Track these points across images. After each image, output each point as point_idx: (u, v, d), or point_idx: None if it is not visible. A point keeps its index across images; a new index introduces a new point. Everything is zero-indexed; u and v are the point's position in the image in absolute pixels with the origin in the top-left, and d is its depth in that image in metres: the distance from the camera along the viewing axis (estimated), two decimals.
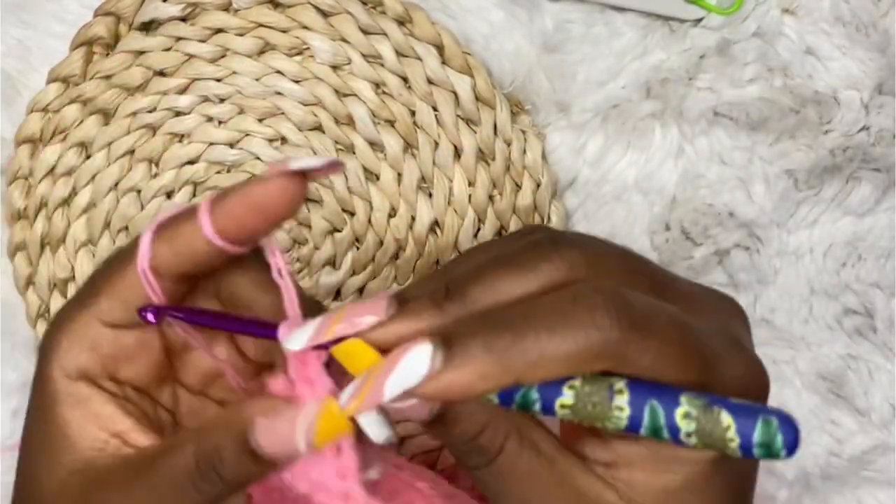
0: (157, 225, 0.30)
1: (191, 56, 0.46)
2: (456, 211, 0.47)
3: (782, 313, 0.50)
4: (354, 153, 0.46)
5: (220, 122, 0.46)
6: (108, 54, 0.47)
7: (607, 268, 0.27)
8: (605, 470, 0.28)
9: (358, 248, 0.47)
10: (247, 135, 0.46)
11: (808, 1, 0.48)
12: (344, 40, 0.46)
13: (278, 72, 0.46)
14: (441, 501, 0.38)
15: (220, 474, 0.28)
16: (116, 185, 0.46)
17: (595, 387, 0.25)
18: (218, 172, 0.47)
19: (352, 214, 0.47)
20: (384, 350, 0.26)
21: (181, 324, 0.30)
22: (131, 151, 0.46)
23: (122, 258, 0.30)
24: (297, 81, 0.46)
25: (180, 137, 0.47)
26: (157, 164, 0.47)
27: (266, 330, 0.28)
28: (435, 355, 0.25)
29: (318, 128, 0.46)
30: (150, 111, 0.46)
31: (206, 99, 0.46)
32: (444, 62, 0.46)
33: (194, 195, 0.47)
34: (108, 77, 0.46)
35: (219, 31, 0.46)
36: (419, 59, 0.46)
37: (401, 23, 0.46)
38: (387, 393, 0.25)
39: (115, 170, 0.46)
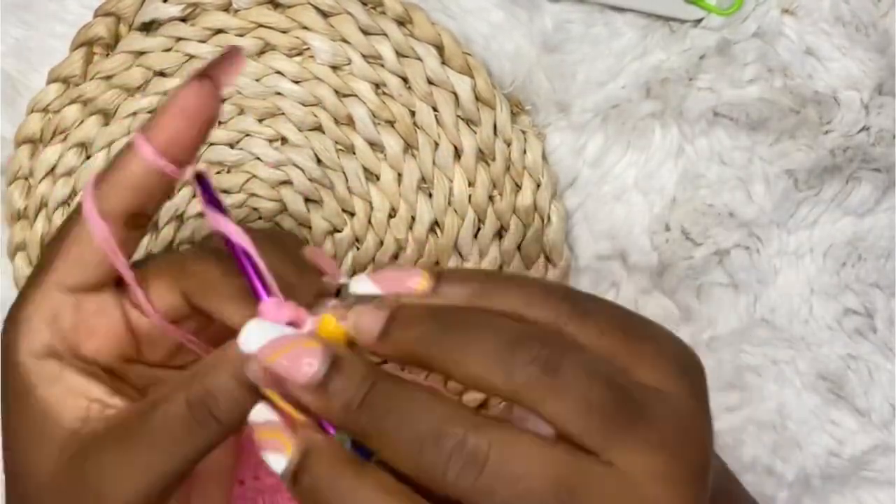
0: (97, 174, 0.30)
1: (191, 56, 0.46)
2: (456, 211, 0.47)
3: (782, 313, 0.50)
4: (354, 153, 0.46)
5: (220, 122, 0.46)
6: (108, 55, 0.47)
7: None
8: None
9: (358, 249, 0.47)
10: (247, 135, 0.46)
11: (808, 1, 0.48)
12: (344, 41, 0.46)
13: (278, 72, 0.46)
14: None
15: (215, 415, 0.28)
16: None
17: None
18: (218, 172, 0.47)
19: (352, 215, 0.47)
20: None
21: (137, 294, 0.31)
22: None
23: (68, 222, 0.31)
24: (297, 82, 0.46)
25: None
26: None
27: (256, 279, 0.29)
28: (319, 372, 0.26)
29: (318, 128, 0.46)
30: (150, 112, 0.46)
31: None
32: (444, 62, 0.46)
33: (194, 195, 0.47)
34: (108, 77, 0.46)
35: (219, 31, 0.46)
36: (419, 59, 0.46)
37: (401, 23, 0.46)
38: (272, 365, 0.26)
39: None
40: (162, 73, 0.46)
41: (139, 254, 0.44)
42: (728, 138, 0.48)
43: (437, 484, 0.24)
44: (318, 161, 0.46)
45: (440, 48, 0.46)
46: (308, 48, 0.46)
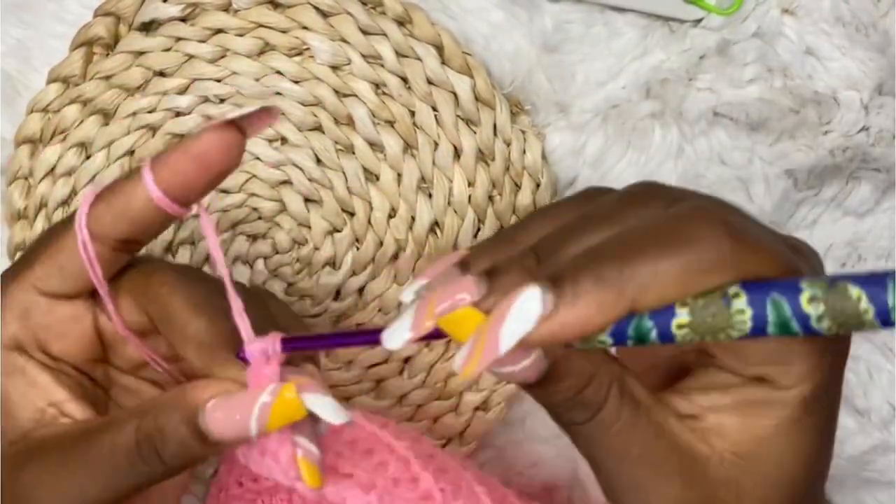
0: (98, 190, 0.29)
1: (191, 56, 0.46)
2: (456, 211, 0.47)
3: None
4: (354, 153, 0.46)
5: None
6: (108, 54, 0.47)
7: (696, 202, 0.26)
8: (693, 422, 0.28)
9: (358, 249, 0.47)
10: None
11: (808, 1, 0.48)
12: (344, 41, 0.46)
13: (278, 72, 0.46)
14: (417, 461, 0.37)
15: (160, 455, 0.28)
16: None
17: (709, 298, 0.24)
18: None
19: (352, 215, 0.47)
20: None
21: (111, 314, 0.30)
22: (131, 152, 0.46)
23: (59, 227, 0.30)
24: (296, 82, 0.46)
25: (181, 137, 0.47)
26: None
27: (371, 337, 0.27)
28: (545, 296, 0.24)
29: (318, 128, 0.46)
30: (149, 111, 0.46)
31: (206, 99, 0.46)
32: (443, 62, 0.46)
33: None
34: (108, 77, 0.46)
35: (219, 31, 0.46)
36: (419, 59, 0.46)
37: (401, 23, 0.46)
38: (503, 344, 0.24)
39: (116, 170, 0.46)
40: (162, 73, 0.46)
41: None
42: (728, 138, 0.48)
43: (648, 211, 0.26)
44: (318, 161, 0.46)
45: (440, 48, 0.46)
46: (308, 48, 0.46)
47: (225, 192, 0.47)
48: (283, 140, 0.46)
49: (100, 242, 0.29)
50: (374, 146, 0.46)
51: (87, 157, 0.47)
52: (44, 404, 0.30)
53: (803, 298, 0.24)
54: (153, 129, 0.46)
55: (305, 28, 0.46)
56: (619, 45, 0.48)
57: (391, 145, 0.46)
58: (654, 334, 0.24)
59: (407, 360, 0.48)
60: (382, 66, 0.46)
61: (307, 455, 0.28)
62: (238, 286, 0.30)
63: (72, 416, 0.31)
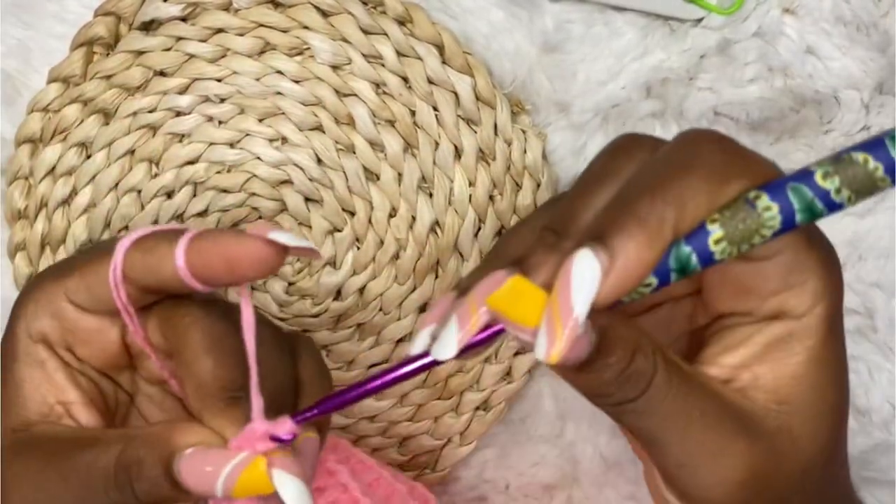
0: (141, 234, 0.30)
1: (191, 56, 0.46)
2: (456, 211, 0.47)
3: None
4: (355, 153, 0.46)
5: (220, 122, 0.46)
6: (108, 54, 0.47)
7: (681, 134, 0.27)
8: (729, 385, 0.28)
9: (358, 248, 0.47)
10: (247, 135, 0.46)
11: (809, 1, 0.48)
12: (344, 40, 0.46)
13: (278, 72, 0.46)
14: (364, 498, 0.38)
15: (133, 488, 0.28)
16: (116, 185, 0.47)
17: (734, 207, 0.25)
18: (218, 172, 0.47)
19: (352, 214, 0.47)
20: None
21: (138, 338, 0.31)
22: (131, 151, 0.46)
23: (101, 251, 0.30)
24: (297, 81, 0.46)
25: (180, 137, 0.47)
26: (157, 164, 0.47)
27: (420, 365, 0.26)
28: (598, 253, 0.24)
29: (319, 128, 0.46)
30: (150, 111, 0.46)
31: (206, 99, 0.46)
32: (444, 62, 0.46)
33: (194, 195, 0.47)
34: (108, 77, 0.46)
35: (219, 31, 0.46)
36: (419, 59, 0.46)
37: (401, 23, 0.46)
38: (579, 312, 0.24)
39: (116, 170, 0.46)
40: (162, 73, 0.46)
41: None
42: None
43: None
44: (319, 161, 0.46)
45: (440, 48, 0.46)
46: (308, 48, 0.46)
47: (225, 191, 0.46)
48: (284, 140, 0.46)
49: (129, 283, 0.30)
50: (375, 146, 0.46)
51: (88, 157, 0.47)
52: (53, 401, 0.31)
53: (818, 177, 0.25)
54: (153, 128, 0.46)
55: (306, 28, 0.46)
56: (619, 45, 0.48)
57: (392, 145, 0.46)
58: (694, 259, 0.25)
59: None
60: (383, 65, 0.46)
61: None
62: (272, 329, 0.30)
63: (77, 419, 0.31)
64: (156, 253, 0.29)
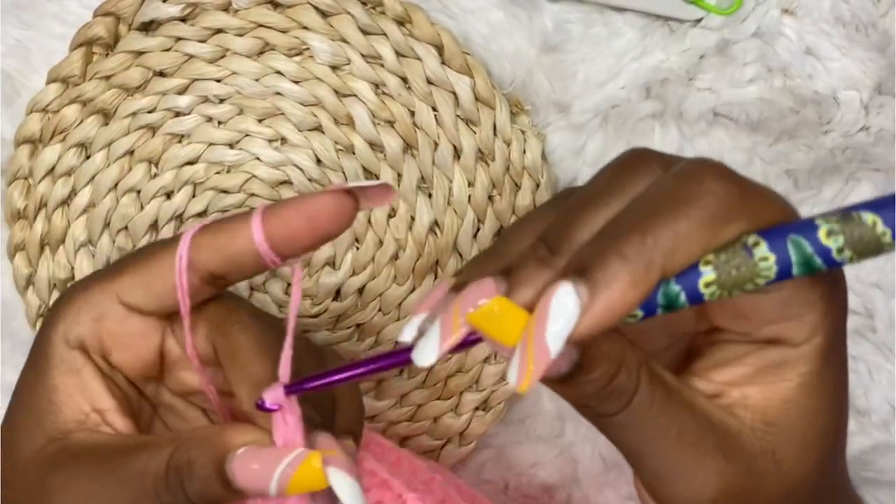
0: (207, 222, 0.30)
1: (190, 56, 0.46)
2: (455, 211, 0.47)
3: None
4: (354, 153, 0.46)
5: (219, 123, 0.47)
6: (107, 54, 0.47)
7: (689, 162, 0.26)
8: (717, 401, 0.28)
9: (358, 248, 0.47)
10: (246, 135, 0.46)
11: (808, 1, 0.48)
12: (344, 40, 0.46)
13: (278, 72, 0.46)
14: (408, 491, 0.38)
15: (185, 490, 0.28)
16: (116, 185, 0.47)
17: (730, 251, 0.25)
18: (218, 172, 0.47)
19: None
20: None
21: (187, 339, 0.31)
22: (131, 151, 0.46)
23: (159, 245, 0.31)
24: (296, 82, 0.46)
25: (180, 138, 0.47)
26: (156, 165, 0.47)
27: (399, 359, 0.26)
28: (579, 288, 0.24)
29: (318, 128, 0.46)
30: (149, 111, 0.46)
31: (205, 99, 0.46)
32: (443, 62, 0.46)
33: (194, 195, 0.47)
34: (107, 77, 0.46)
35: (218, 31, 0.46)
36: (419, 59, 0.46)
37: (400, 23, 0.46)
38: (552, 348, 0.23)
39: (115, 170, 0.46)
40: (161, 73, 0.46)
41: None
42: (728, 138, 0.48)
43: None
44: (318, 161, 0.46)
45: (440, 48, 0.46)
46: (308, 48, 0.46)
47: (224, 192, 0.47)
48: (283, 140, 0.46)
49: (193, 271, 0.30)
50: (374, 146, 0.46)
51: (87, 157, 0.47)
52: (89, 409, 0.31)
53: (821, 234, 0.24)
54: (153, 128, 0.46)
55: (305, 28, 0.46)
56: (619, 45, 0.48)
57: (391, 145, 0.46)
58: (682, 298, 0.25)
59: None
60: (382, 66, 0.46)
61: None
62: (302, 340, 0.30)
63: (113, 426, 0.31)
64: (227, 231, 0.29)
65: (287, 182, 0.46)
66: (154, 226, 0.47)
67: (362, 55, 0.46)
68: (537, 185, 0.47)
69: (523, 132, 0.47)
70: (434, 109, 0.46)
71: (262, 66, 0.46)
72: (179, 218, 0.47)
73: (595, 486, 0.50)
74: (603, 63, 0.48)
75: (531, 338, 0.24)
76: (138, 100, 0.46)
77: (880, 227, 0.24)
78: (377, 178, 0.47)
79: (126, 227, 0.47)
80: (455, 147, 0.47)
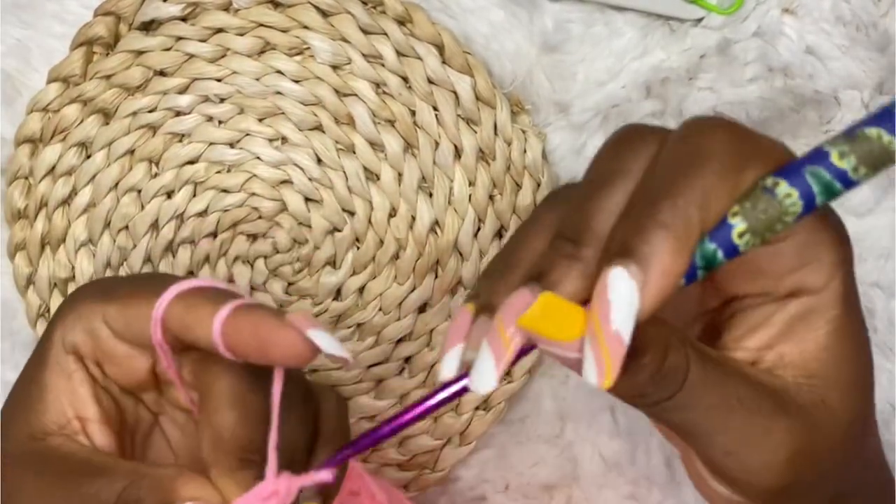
0: (190, 287, 0.29)
1: (191, 56, 0.46)
2: (456, 211, 0.47)
3: None
4: (354, 153, 0.46)
5: (220, 122, 0.46)
6: (108, 54, 0.47)
7: (686, 125, 0.26)
8: (755, 367, 0.28)
9: (358, 248, 0.47)
10: (247, 135, 0.46)
11: (809, 1, 0.48)
12: (344, 40, 0.46)
13: (278, 71, 0.46)
14: None
15: None
16: (116, 184, 0.47)
17: (753, 197, 0.25)
18: (218, 172, 0.47)
19: (352, 214, 0.47)
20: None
21: (174, 373, 0.31)
22: (131, 151, 0.46)
23: (152, 286, 0.30)
24: (297, 81, 0.46)
25: (180, 137, 0.47)
26: (157, 164, 0.47)
27: (454, 394, 0.26)
28: (630, 268, 0.23)
29: (319, 127, 0.46)
30: (150, 111, 0.46)
31: (206, 99, 0.46)
32: (444, 62, 0.46)
33: (195, 195, 0.47)
34: (108, 77, 0.46)
35: (219, 30, 0.46)
36: (419, 58, 0.46)
37: (401, 23, 0.46)
38: (624, 336, 0.23)
39: (116, 169, 0.46)
40: (162, 73, 0.46)
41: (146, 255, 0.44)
42: None
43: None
44: (319, 160, 0.46)
45: (440, 48, 0.46)
46: (308, 48, 0.46)
47: (225, 191, 0.46)
48: (284, 139, 0.46)
49: (167, 332, 0.30)
50: (375, 146, 0.46)
51: (87, 157, 0.47)
52: (72, 415, 0.31)
53: (834, 158, 0.25)
54: (153, 128, 0.46)
55: (306, 27, 0.46)
56: (619, 45, 0.48)
57: (392, 145, 0.46)
58: (720, 254, 0.25)
59: (407, 359, 0.48)
60: (383, 65, 0.46)
61: None
62: (297, 385, 0.30)
63: (91, 437, 0.31)
64: (197, 313, 0.29)
65: (288, 181, 0.46)
66: (155, 225, 0.47)
67: (363, 55, 0.46)
68: (538, 185, 0.47)
69: (524, 132, 0.47)
70: (435, 109, 0.46)
71: (262, 66, 0.46)
72: (180, 217, 0.47)
73: (595, 486, 0.50)
74: (603, 62, 0.48)
75: (599, 331, 0.23)
76: (139, 99, 0.46)
77: (886, 137, 0.24)
78: (378, 177, 0.47)
79: (127, 227, 0.47)
80: (456, 146, 0.47)
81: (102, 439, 0.31)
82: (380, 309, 0.47)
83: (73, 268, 0.47)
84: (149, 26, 0.47)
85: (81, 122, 0.46)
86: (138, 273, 0.46)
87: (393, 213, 0.47)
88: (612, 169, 0.26)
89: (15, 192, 0.47)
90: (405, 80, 0.46)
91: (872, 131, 0.24)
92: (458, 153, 0.47)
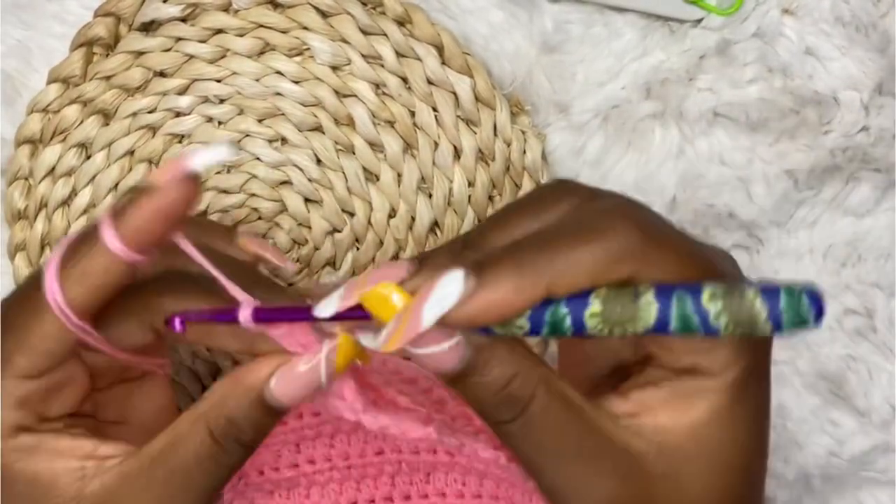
0: (56, 258, 0.29)
1: (191, 56, 0.46)
2: (456, 211, 0.47)
3: None
4: (354, 153, 0.47)
5: (220, 123, 0.47)
6: (108, 55, 0.47)
7: (612, 200, 0.28)
8: (630, 420, 0.28)
9: (358, 249, 0.47)
10: (247, 135, 0.46)
11: (808, 1, 0.48)
12: (344, 41, 0.46)
13: (278, 72, 0.46)
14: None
15: (239, 440, 0.29)
16: (116, 185, 0.47)
17: (621, 291, 0.26)
18: (218, 172, 0.47)
19: (352, 215, 0.47)
20: None
21: (119, 352, 0.31)
22: (131, 152, 0.46)
23: (25, 308, 0.29)
24: (296, 82, 0.46)
25: (180, 138, 0.47)
26: (157, 165, 0.47)
27: (302, 314, 0.28)
28: (468, 277, 0.25)
29: (318, 128, 0.46)
30: (150, 112, 0.46)
31: (206, 99, 0.46)
32: (443, 63, 0.46)
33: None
34: (108, 77, 0.46)
35: (219, 31, 0.46)
36: (419, 59, 0.46)
37: (401, 23, 0.46)
38: (425, 320, 0.25)
39: (116, 170, 0.46)
40: (162, 74, 0.46)
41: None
42: (728, 139, 0.48)
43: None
44: (318, 161, 0.46)
45: (440, 48, 0.46)
46: (308, 48, 0.46)
47: (225, 192, 0.47)
48: (283, 140, 0.46)
49: (74, 308, 0.29)
50: (374, 146, 0.46)
51: (87, 158, 0.47)
52: (79, 463, 0.30)
53: (704, 296, 0.25)
54: (153, 129, 0.46)
55: (305, 28, 0.46)
56: (619, 46, 0.48)
57: (391, 145, 0.46)
58: (568, 321, 0.26)
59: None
60: (382, 66, 0.46)
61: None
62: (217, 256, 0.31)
63: (112, 456, 0.30)
64: (82, 256, 0.28)
65: (287, 182, 0.46)
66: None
67: (362, 55, 0.46)
68: (538, 186, 0.47)
69: (523, 132, 0.47)
70: (434, 110, 0.46)
71: (262, 67, 0.46)
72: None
73: None
74: (603, 63, 0.48)
75: (409, 308, 0.26)
76: (139, 100, 0.46)
77: (758, 306, 0.25)
78: (377, 178, 0.47)
79: None
80: (455, 147, 0.47)
81: (115, 449, 0.31)
82: None
83: None
84: (149, 27, 0.47)
85: (81, 122, 0.46)
86: None
87: (392, 214, 0.47)
88: (528, 204, 0.29)
89: (15, 192, 0.47)
90: (405, 80, 0.46)
91: (751, 293, 0.25)
92: (457, 154, 0.47)
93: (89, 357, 0.32)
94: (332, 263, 0.47)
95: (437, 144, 0.46)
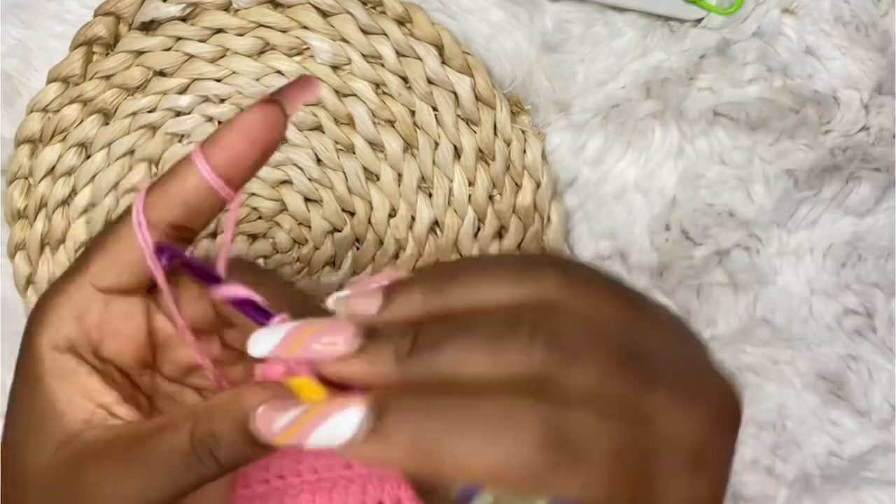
0: (150, 182, 0.30)
1: (191, 56, 0.46)
2: (456, 211, 0.47)
3: (782, 313, 0.50)
4: (354, 153, 0.46)
5: (219, 123, 0.46)
6: (108, 54, 0.47)
7: (588, 352, 0.25)
8: None
9: (358, 248, 0.47)
10: None
11: (808, 1, 0.48)
12: (344, 40, 0.46)
13: (278, 72, 0.46)
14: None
15: (215, 456, 0.29)
16: (116, 185, 0.47)
17: (516, 499, 0.26)
18: None
19: (352, 214, 0.47)
20: (336, 384, 0.26)
21: (170, 310, 0.31)
22: (131, 151, 0.46)
23: (115, 222, 0.31)
24: None
25: (180, 137, 0.47)
26: (157, 164, 0.47)
27: (259, 316, 0.28)
28: (363, 423, 0.24)
29: (318, 128, 0.46)
30: (150, 111, 0.46)
31: (206, 99, 0.46)
32: (444, 62, 0.46)
33: None
34: (108, 77, 0.46)
35: (219, 31, 0.46)
36: (419, 59, 0.46)
37: (401, 23, 0.46)
38: (310, 442, 0.25)
39: (115, 170, 0.46)
40: (162, 73, 0.46)
41: None
42: (728, 138, 0.48)
43: (523, 362, 0.25)
44: (318, 161, 0.46)
45: (440, 48, 0.46)
46: (308, 48, 0.46)
47: None
48: (284, 140, 0.46)
49: (155, 228, 0.30)
50: (375, 146, 0.46)
51: (87, 157, 0.47)
52: (93, 406, 0.31)
53: None
54: (153, 128, 0.46)
55: (306, 28, 0.46)
56: (619, 45, 0.48)
57: (391, 145, 0.46)
58: (455, 494, 0.27)
59: None
60: (382, 65, 0.46)
61: None
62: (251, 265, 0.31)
63: (121, 417, 0.31)
64: (173, 178, 0.30)
65: (287, 181, 0.46)
66: None
67: (363, 55, 0.46)
68: (538, 185, 0.47)
69: (523, 132, 0.47)
70: (434, 109, 0.46)
71: (262, 66, 0.46)
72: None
73: None
74: (603, 63, 0.48)
75: (305, 421, 0.25)
76: (138, 99, 0.46)
77: None
78: (377, 178, 0.47)
79: None
80: (455, 147, 0.47)
81: (130, 416, 0.31)
82: None
83: None
84: (149, 26, 0.47)
85: (81, 122, 0.46)
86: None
87: (393, 214, 0.47)
88: (505, 271, 0.26)
89: (15, 192, 0.47)
90: (405, 80, 0.46)
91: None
92: (457, 153, 0.47)
93: (158, 325, 0.32)
94: (333, 263, 0.47)
95: (437, 144, 0.46)
